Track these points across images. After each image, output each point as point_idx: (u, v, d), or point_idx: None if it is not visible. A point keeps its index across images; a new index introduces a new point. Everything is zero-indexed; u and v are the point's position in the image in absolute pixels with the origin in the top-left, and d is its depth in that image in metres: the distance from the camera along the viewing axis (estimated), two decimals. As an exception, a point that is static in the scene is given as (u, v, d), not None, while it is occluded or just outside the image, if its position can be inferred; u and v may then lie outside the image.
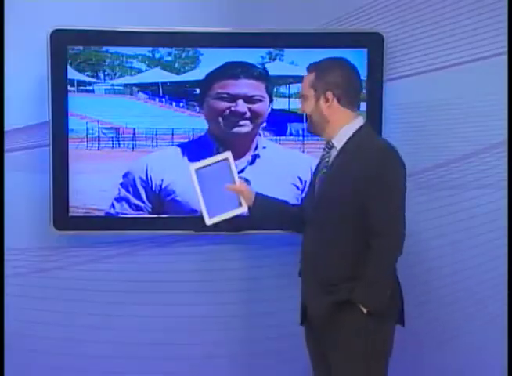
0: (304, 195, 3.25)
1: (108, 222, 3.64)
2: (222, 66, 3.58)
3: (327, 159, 2.99)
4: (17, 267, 3.67)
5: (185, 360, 3.76)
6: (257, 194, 3.06)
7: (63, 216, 3.60)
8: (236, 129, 3.60)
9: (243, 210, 3.01)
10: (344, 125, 2.95)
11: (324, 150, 3.04)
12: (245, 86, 3.59)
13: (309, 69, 3.00)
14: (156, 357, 3.76)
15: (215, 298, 3.73)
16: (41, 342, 3.71)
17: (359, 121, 2.97)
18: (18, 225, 3.62)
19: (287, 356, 3.75)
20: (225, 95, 3.58)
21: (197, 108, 3.64)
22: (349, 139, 2.94)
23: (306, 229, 3.02)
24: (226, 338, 3.76)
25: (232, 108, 3.58)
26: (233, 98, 3.57)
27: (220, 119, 3.59)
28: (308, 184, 3.22)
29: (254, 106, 3.59)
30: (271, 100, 3.62)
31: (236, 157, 3.59)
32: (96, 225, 3.64)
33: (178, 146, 3.63)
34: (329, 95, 2.93)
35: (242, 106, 3.58)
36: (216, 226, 3.57)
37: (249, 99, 3.59)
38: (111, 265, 3.71)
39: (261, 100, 3.60)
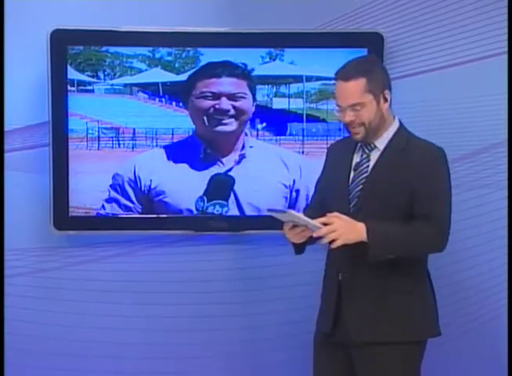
0: (324, 199, 3.01)
1: (108, 222, 3.64)
2: (204, 66, 3.59)
3: (366, 160, 2.90)
4: (17, 267, 3.67)
5: (185, 360, 3.76)
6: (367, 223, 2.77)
7: (62, 216, 3.60)
8: (221, 127, 3.60)
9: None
10: (390, 126, 2.90)
11: (364, 151, 2.91)
12: (228, 84, 3.59)
13: (353, 76, 2.81)
14: (156, 357, 3.75)
15: (214, 298, 3.72)
16: (41, 343, 3.71)
17: (397, 122, 2.92)
18: (18, 225, 3.62)
19: (287, 356, 3.75)
20: (209, 94, 3.58)
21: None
22: (390, 140, 2.89)
23: None
24: (226, 338, 3.75)
25: (216, 106, 3.58)
26: (217, 96, 3.58)
27: (205, 118, 3.60)
28: (325, 187, 3.03)
29: (237, 104, 3.60)
30: (254, 99, 3.62)
31: (222, 155, 3.64)
32: (96, 225, 3.64)
33: (163, 147, 3.63)
34: (387, 93, 2.85)
35: (225, 104, 3.58)
36: (216, 227, 3.61)
37: (232, 97, 3.59)
38: (111, 265, 3.71)
39: (244, 97, 3.60)
